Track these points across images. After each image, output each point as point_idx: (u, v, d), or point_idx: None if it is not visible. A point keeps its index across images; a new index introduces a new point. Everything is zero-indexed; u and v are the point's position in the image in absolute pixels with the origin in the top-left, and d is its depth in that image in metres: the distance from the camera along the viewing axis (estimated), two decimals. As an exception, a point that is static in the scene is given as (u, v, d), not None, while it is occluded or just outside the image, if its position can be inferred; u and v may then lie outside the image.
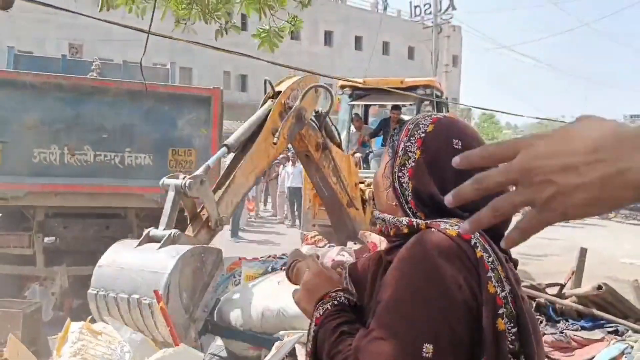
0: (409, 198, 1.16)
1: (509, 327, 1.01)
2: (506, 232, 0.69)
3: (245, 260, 6.22)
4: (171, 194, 3.73)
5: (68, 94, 5.78)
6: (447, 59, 30.44)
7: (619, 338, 4.36)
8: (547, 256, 10.86)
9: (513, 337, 1.01)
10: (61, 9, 4.07)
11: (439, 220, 1.10)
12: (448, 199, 0.69)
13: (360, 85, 8.37)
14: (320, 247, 6.38)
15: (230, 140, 4.28)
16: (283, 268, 5.95)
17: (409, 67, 39.35)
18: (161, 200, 5.90)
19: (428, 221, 1.11)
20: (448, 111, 9.30)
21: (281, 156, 14.88)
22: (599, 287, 4.55)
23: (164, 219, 3.68)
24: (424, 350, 0.97)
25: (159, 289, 3.20)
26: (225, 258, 8.26)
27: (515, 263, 1.17)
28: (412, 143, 1.17)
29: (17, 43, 13.90)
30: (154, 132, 5.94)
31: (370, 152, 8.70)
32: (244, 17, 4.35)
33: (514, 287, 1.05)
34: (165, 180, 3.78)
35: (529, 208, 0.66)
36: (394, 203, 1.19)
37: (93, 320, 3.41)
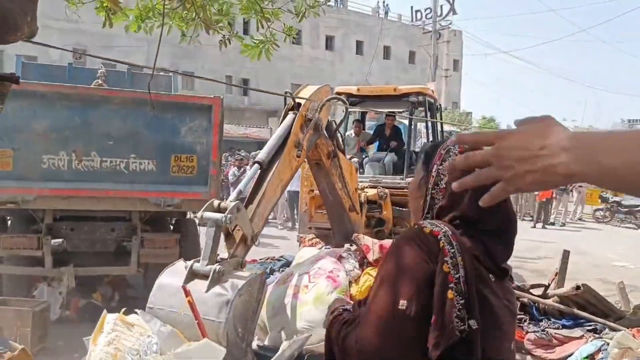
0: (435, 211, 1.54)
1: (458, 299, 1.36)
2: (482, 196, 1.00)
3: (245, 262, 6.45)
4: (211, 230, 3.74)
5: (76, 102, 6.00)
6: (448, 63, 30.64)
7: (596, 336, 4.60)
8: (541, 258, 11.07)
9: (460, 306, 1.36)
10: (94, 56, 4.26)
11: (429, 221, 1.50)
12: (448, 165, 1.10)
13: (355, 93, 8.60)
14: (317, 249, 6.60)
15: (261, 156, 4.41)
16: (282, 270, 6.18)
17: (409, 72, 39.56)
18: (163, 204, 6.20)
19: (421, 221, 1.51)
20: (442, 117, 9.51)
21: None
22: (578, 288, 4.79)
23: (206, 254, 3.70)
24: (400, 305, 1.38)
25: (219, 339, 3.28)
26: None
27: (504, 272, 1.53)
28: (443, 167, 1.53)
29: (21, 48, 14.16)
30: (158, 139, 6.15)
31: (366, 156, 8.94)
32: (246, 24, 4.57)
33: (470, 275, 1.40)
34: (205, 214, 3.77)
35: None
36: (422, 210, 1.58)
37: (127, 312, 3.56)
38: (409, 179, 8.02)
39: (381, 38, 31.78)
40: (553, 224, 16.65)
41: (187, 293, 3.38)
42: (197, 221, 8.02)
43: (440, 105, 9.61)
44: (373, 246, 5.58)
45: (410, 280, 1.39)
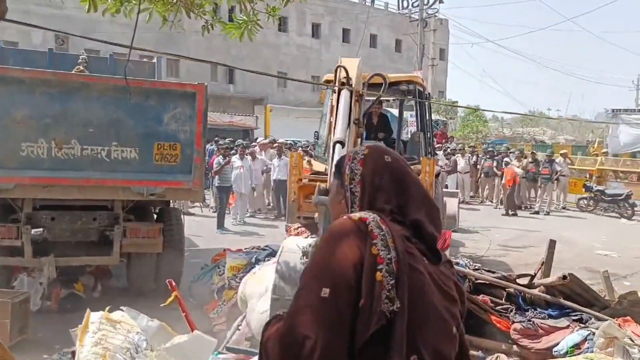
0: (357, 202, 1.57)
1: (388, 280, 1.38)
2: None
3: (230, 252, 6.37)
4: (321, 214, 3.87)
5: (56, 89, 5.86)
6: (434, 52, 30.55)
7: (582, 325, 4.59)
8: (526, 247, 11.11)
9: (390, 287, 1.37)
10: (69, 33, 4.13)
11: (357, 213, 1.52)
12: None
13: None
14: (303, 238, 6.54)
15: (340, 136, 4.51)
16: (267, 259, 6.12)
17: (396, 60, 39.46)
18: (146, 193, 6.09)
19: (348, 214, 1.53)
20: (430, 106, 9.46)
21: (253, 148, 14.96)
22: (564, 277, 4.77)
23: None
24: (322, 293, 1.37)
25: None
26: (211, 249, 8.43)
27: (437, 255, 1.54)
28: (355, 163, 1.60)
29: (2, 34, 13.83)
30: (140, 127, 6.04)
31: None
32: (231, 11, 4.48)
33: (401, 256, 1.42)
34: (319, 198, 3.92)
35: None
36: (346, 209, 1.60)
37: (112, 310, 3.50)
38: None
39: (367, 26, 31.60)
40: (538, 212, 16.75)
41: (173, 288, 3.34)
42: (181, 210, 7.98)
43: (429, 94, 9.55)
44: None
45: (338, 267, 1.39)
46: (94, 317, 3.27)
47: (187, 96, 6.17)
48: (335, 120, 4.68)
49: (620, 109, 26.73)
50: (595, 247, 11.63)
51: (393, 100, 9.59)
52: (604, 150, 23.61)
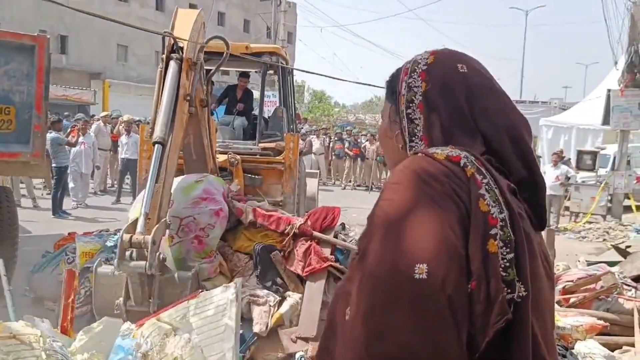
0: (421, 134, 1.08)
1: (504, 252, 0.91)
2: None
3: (79, 236, 5.52)
4: (136, 284, 3.33)
5: None
6: (283, 34, 30.51)
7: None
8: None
9: (507, 264, 0.91)
10: None
11: (432, 148, 1.03)
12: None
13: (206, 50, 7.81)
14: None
15: (159, 134, 3.81)
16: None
17: (244, 40, 38.78)
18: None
19: (420, 150, 1.04)
20: (294, 80, 9.13)
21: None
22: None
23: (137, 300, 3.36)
24: (416, 271, 0.86)
25: None
26: (49, 235, 7.38)
27: (543, 220, 1.06)
28: (414, 79, 1.11)
29: None
30: (-40, 84, 4.92)
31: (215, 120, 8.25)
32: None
33: (516, 216, 0.95)
34: (124, 265, 3.31)
35: None
36: (400, 146, 1.12)
37: None
38: (263, 145, 7.53)
39: (216, 3, 30.57)
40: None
41: (72, 276, 3.13)
42: (12, 190, 6.79)
43: (292, 69, 9.21)
44: (246, 209, 5.09)
45: (432, 226, 0.89)
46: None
47: (24, 49, 5.13)
48: (156, 110, 4.05)
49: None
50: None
51: (255, 72, 9.09)
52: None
